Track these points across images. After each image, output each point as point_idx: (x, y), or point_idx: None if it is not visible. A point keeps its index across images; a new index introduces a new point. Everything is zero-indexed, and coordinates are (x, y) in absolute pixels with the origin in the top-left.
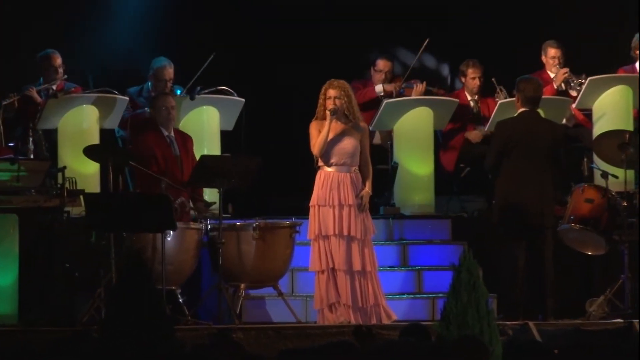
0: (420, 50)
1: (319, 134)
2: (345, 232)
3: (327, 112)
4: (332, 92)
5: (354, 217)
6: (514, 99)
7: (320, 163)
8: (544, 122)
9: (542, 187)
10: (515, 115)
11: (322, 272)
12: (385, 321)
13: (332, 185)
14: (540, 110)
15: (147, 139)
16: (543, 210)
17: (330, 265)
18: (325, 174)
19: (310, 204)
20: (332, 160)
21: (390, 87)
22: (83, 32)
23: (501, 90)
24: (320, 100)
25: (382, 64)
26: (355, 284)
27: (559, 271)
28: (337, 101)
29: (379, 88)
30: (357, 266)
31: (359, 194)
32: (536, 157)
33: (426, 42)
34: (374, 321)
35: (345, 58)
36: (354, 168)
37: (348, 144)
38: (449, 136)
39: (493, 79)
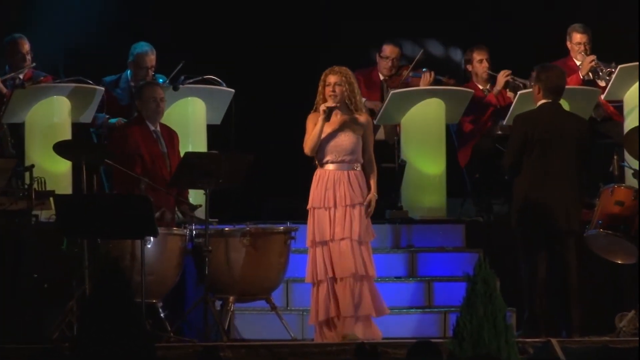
0: (415, 60)
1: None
2: (340, 235)
3: (321, 109)
4: (332, 79)
5: (349, 219)
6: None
7: (317, 162)
8: (568, 116)
9: (567, 188)
10: (536, 107)
11: (320, 283)
12: (372, 337)
13: (327, 185)
14: (565, 102)
15: (132, 135)
16: (567, 213)
17: (330, 275)
18: (321, 173)
19: (308, 207)
20: (328, 158)
21: (371, 104)
22: (52, 14)
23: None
24: (320, 88)
25: (388, 49)
26: (349, 291)
27: (586, 282)
28: (337, 88)
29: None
30: (350, 271)
31: (366, 200)
32: (560, 155)
33: (421, 52)
34: (360, 332)
35: (350, 45)
36: (355, 165)
37: (346, 139)
38: (464, 130)
39: (487, 73)
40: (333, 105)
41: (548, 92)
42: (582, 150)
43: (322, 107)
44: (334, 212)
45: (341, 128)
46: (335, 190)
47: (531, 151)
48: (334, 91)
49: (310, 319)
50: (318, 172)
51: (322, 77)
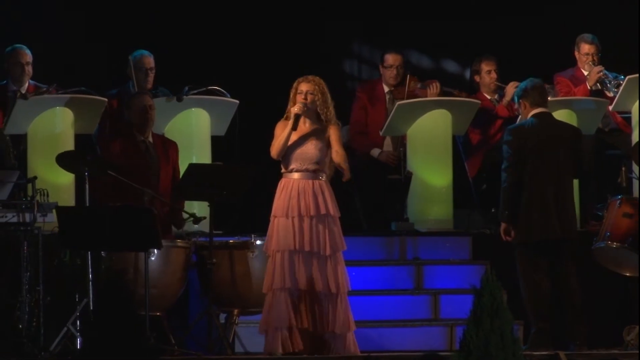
0: (406, 87)
1: None
2: (306, 248)
3: (292, 111)
4: (304, 87)
5: (314, 231)
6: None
7: (283, 169)
8: (561, 124)
9: (562, 196)
10: (528, 119)
11: (278, 291)
12: (348, 353)
13: (291, 193)
14: (573, 113)
15: (114, 147)
16: (563, 222)
17: (288, 285)
18: (286, 182)
19: (271, 214)
20: (293, 166)
21: (383, 156)
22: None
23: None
24: (291, 96)
25: (391, 58)
26: (314, 306)
27: (593, 294)
28: (310, 97)
29: (375, 152)
30: (316, 287)
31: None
32: (554, 163)
33: (407, 77)
34: (330, 352)
35: (350, 56)
36: (320, 175)
37: (312, 148)
38: (471, 142)
39: (495, 84)
40: (299, 112)
41: (539, 98)
42: (577, 157)
43: (293, 109)
44: (298, 221)
45: (308, 137)
46: (299, 199)
47: (525, 161)
48: (305, 99)
49: (260, 326)
50: (283, 180)
51: (295, 85)
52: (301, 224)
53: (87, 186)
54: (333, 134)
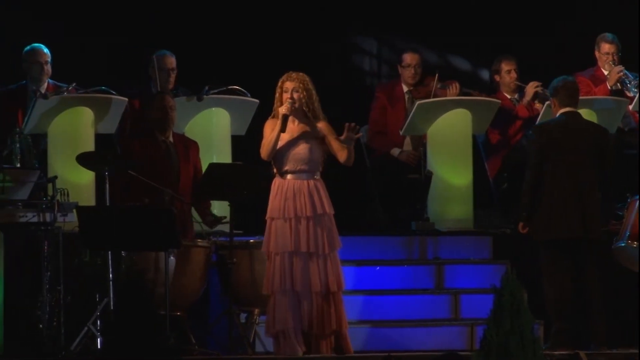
0: (434, 85)
1: None
2: (303, 249)
3: (279, 111)
4: (289, 85)
5: (312, 231)
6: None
7: (276, 171)
8: (587, 124)
9: (584, 196)
10: (555, 117)
11: (278, 293)
12: (341, 353)
13: (287, 195)
14: (593, 112)
15: (134, 147)
16: (585, 222)
17: (288, 287)
18: (280, 183)
19: (266, 216)
20: (287, 167)
21: (404, 156)
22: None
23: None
24: (277, 95)
25: (409, 57)
26: (316, 307)
27: (614, 294)
28: (295, 94)
29: (395, 151)
30: (317, 287)
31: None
32: (577, 162)
33: (437, 76)
34: (327, 351)
35: (373, 58)
36: (315, 174)
37: (304, 148)
38: (491, 141)
39: (515, 83)
40: (287, 112)
41: (566, 98)
42: (603, 158)
43: (281, 110)
44: (295, 223)
45: (299, 137)
46: (295, 200)
47: (549, 159)
48: (291, 98)
49: (266, 329)
50: (277, 181)
51: (279, 84)
52: (298, 225)
53: (107, 186)
54: (328, 133)
